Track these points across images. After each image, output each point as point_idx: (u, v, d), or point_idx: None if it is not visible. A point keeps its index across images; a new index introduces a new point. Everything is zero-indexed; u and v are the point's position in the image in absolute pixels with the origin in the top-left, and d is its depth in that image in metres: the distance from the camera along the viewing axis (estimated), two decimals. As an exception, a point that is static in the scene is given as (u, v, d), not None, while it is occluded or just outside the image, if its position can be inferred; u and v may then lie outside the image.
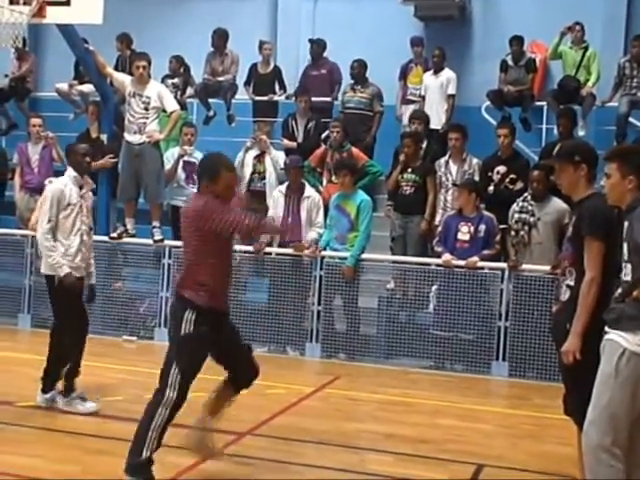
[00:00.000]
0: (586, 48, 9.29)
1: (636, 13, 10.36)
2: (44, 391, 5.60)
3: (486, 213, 7.59)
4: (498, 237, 7.48)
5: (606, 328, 3.55)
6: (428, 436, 5.38)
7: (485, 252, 7.42)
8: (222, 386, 4.47)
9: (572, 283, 3.98)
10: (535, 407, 6.28)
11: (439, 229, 7.74)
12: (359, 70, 9.66)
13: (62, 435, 5.05)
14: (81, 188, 5.58)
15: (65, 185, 5.52)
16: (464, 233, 7.48)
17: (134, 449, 4.12)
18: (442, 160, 8.27)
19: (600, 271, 3.81)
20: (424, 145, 8.57)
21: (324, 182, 8.73)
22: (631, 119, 9.23)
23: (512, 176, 7.88)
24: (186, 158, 8.78)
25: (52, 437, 5.08)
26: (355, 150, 8.72)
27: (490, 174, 7.96)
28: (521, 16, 10.43)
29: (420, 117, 8.86)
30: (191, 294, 4.16)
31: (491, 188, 7.91)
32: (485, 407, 6.31)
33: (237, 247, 8.18)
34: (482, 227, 7.46)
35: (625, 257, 3.50)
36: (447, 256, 7.40)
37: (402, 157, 8.18)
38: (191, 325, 4.12)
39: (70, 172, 5.61)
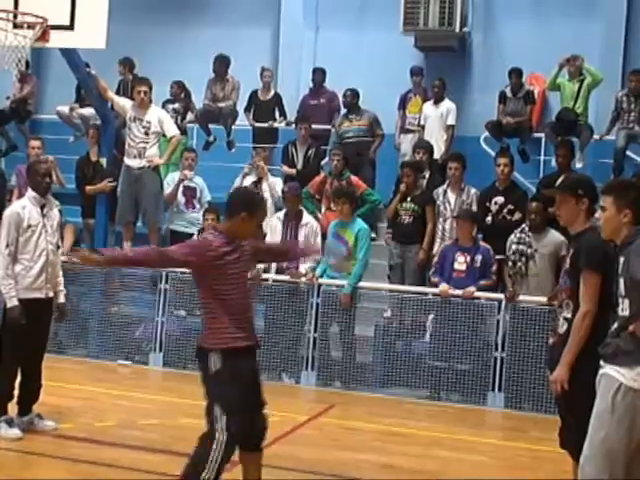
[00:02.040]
0: (583, 80, 9.37)
1: (633, 47, 10.46)
2: (20, 414, 5.53)
3: (482, 243, 7.62)
4: (494, 267, 7.50)
5: (602, 362, 3.55)
6: (424, 467, 5.35)
7: (482, 282, 7.43)
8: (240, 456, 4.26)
9: (569, 315, 4.00)
10: (531, 439, 6.25)
11: (435, 259, 7.75)
12: (352, 99, 9.74)
13: (54, 460, 5.01)
14: (43, 208, 5.55)
15: (23, 207, 5.49)
16: (460, 263, 7.49)
17: None
18: (440, 189, 8.30)
19: (595, 304, 3.84)
20: (427, 175, 8.61)
21: (323, 209, 8.75)
22: (629, 153, 9.28)
23: (510, 207, 7.91)
24: (186, 183, 8.82)
25: (42, 462, 5.04)
26: (354, 178, 8.76)
27: (488, 204, 7.99)
28: (520, 48, 10.52)
29: (424, 147, 8.89)
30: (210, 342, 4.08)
31: (489, 219, 7.93)
32: (481, 438, 6.27)
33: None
34: (478, 257, 7.47)
35: (622, 292, 3.51)
36: (444, 286, 7.40)
37: (402, 187, 8.22)
38: (218, 362, 4.01)
39: (30, 192, 5.59)
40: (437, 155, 9.35)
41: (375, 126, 9.68)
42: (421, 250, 8.03)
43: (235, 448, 4.07)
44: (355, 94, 9.75)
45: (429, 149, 8.91)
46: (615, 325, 3.55)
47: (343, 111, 9.90)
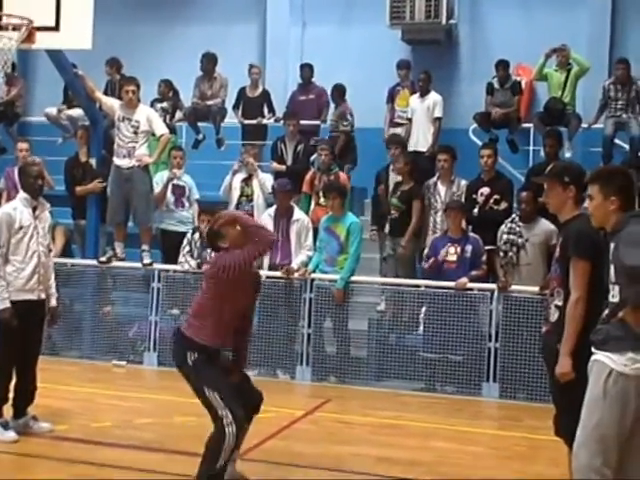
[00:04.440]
0: (570, 70, 9.40)
1: (619, 35, 10.51)
2: (16, 417, 5.52)
3: (472, 234, 7.65)
4: (484, 257, 7.53)
5: (593, 349, 3.58)
6: (420, 459, 5.36)
7: (473, 273, 7.45)
8: None
9: (560, 303, 4.02)
10: (526, 428, 6.27)
11: (426, 251, 7.77)
12: (337, 94, 9.84)
13: (50, 462, 5.00)
14: (35, 209, 5.55)
15: (14, 209, 5.49)
16: (451, 254, 7.52)
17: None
18: (430, 182, 8.31)
19: (585, 291, 3.86)
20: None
21: (312, 205, 8.76)
22: (617, 140, 9.32)
23: (496, 197, 7.94)
24: (175, 181, 8.82)
25: (38, 464, 5.04)
26: (342, 174, 8.77)
27: (475, 196, 8.02)
28: (507, 39, 10.56)
29: (398, 141, 8.78)
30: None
31: (476, 210, 7.96)
32: (476, 429, 6.30)
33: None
34: (469, 247, 7.51)
35: (612, 279, 3.53)
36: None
37: (395, 171, 8.28)
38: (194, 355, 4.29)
39: (21, 194, 5.59)
40: (424, 148, 9.37)
41: (340, 121, 9.69)
42: (406, 244, 8.03)
43: (243, 431, 4.27)
44: (339, 89, 9.83)
45: (403, 143, 8.84)
46: (606, 312, 3.57)
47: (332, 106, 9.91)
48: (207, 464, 4.19)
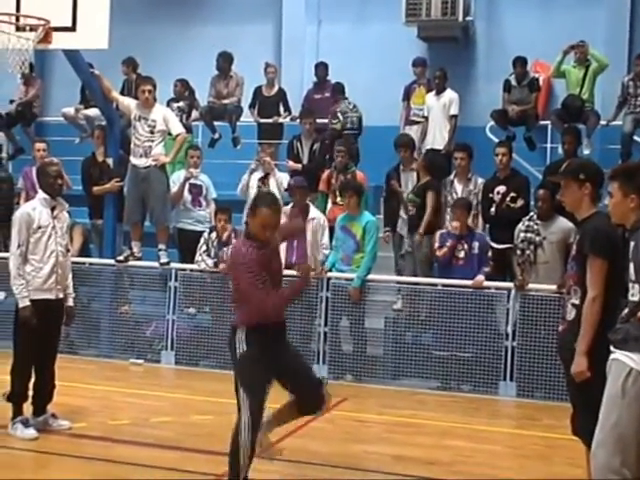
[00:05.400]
0: (588, 66, 9.32)
1: (639, 31, 10.40)
2: (35, 414, 5.58)
3: (478, 231, 7.70)
4: (490, 253, 7.57)
5: (612, 348, 3.55)
6: (437, 458, 5.35)
7: (485, 269, 7.45)
8: (288, 403, 4.49)
9: (577, 302, 3.99)
10: (544, 427, 6.24)
11: (436, 244, 7.74)
12: (333, 93, 9.87)
13: (69, 459, 5.04)
14: (53, 209, 5.58)
15: (33, 208, 5.53)
16: (459, 251, 7.53)
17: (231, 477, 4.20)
18: (447, 180, 8.29)
19: (602, 289, 3.83)
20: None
21: (329, 204, 8.75)
22: (636, 137, 9.24)
23: (512, 194, 7.89)
24: (192, 181, 8.84)
25: (58, 462, 5.08)
26: (359, 173, 8.76)
27: (491, 195, 7.98)
28: (524, 36, 10.48)
29: (405, 144, 8.64)
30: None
31: (493, 209, 7.92)
32: (493, 428, 6.27)
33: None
34: (476, 244, 7.55)
35: (632, 277, 3.49)
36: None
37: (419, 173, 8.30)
38: (243, 344, 4.22)
39: (40, 194, 5.63)
40: (441, 146, 9.34)
41: (330, 120, 9.69)
42: (423, 239, 8.00)
43: (259, 428, 4.24)
44: (337, 87, 9.86)
45: (411, 145, 8.74)
46: (625, 311, 3.54)
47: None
48: (230, 471, 4.20)
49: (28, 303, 5.39)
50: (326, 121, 9.86)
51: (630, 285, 3.51)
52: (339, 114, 9.67)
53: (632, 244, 3.53)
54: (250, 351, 4.21)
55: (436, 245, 7.74)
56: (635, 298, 3.47)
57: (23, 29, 7.39)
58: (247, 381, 4.19)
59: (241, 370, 4.24)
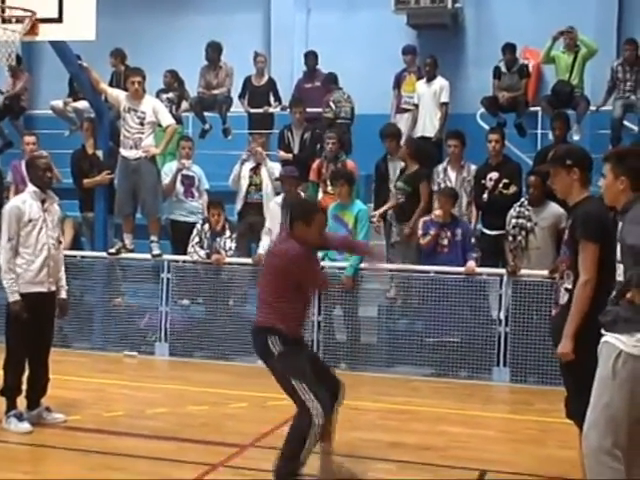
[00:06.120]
0: (577, 52, 9.33)
1: (628, 17, 10.41)
2: (29, 408, 5.58)
3: (461, 218, 7.77)
4: (473, 240, 7.64)
5: (602, 330, 3.57)
6: (431, 443, 5.38)
7: (474, 255, 7.50)
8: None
9: (570, 286, 4.01)
10: (537, 412, 6.27)
11: (420, 232, 7.75)
12: (325, 83, 9.86)
13: (65, 452, 5.04)
14: (43, 202, 5.56)
15: (23, 202, 5.51)
16: (442, 239, 7.58)
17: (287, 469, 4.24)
18: (440, 167, 8.29)
19: (594, 273, 3.85)
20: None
21: (320, 193, 8.75)
22: (626, 122, 9.26)
23: (505, 181, 7.89)
24: (184, 172, 8.81)
25: (53, 454, 5.08)
26: (349, 162, 8.75)
27: (483, 182, 7.98)
28: (514, 22, 10.47)
29: (391, 133, 8.60)
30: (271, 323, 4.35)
31: (485, 196, 7.93)
32: (487, 413, 6.30)
33: (235, 259, 8.22)
34: (459, 231, 7.60)
35: (618, 258, 3.53)
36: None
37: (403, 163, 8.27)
38: (278, 345, 4.31)
39: (30, 187, 5.61)
40: (431, 133, 9.33)
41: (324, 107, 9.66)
42: (413, 227, 7.99)
43: (329, 421, 4.34)
44: (329, 77, 9.87)
45: (397, 135, 8.71)
46: (614, 292, 3.56)
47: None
48: (290, 455, 4.23)
49: (18, 297, 5.37)
50: (316, 110, 9.85)
51: (616, 265, 3.54)
52: (332, 103, 9.65)
53: (620, 225, 3.56)
54: (288, 347, 4.29)
55: (419, 233, 7.77)
56: (621, 278, 3.50)
57: (9, 21, 7.34)
58: (299, 373, 4.24)
59: (287, 365, 4.28)
